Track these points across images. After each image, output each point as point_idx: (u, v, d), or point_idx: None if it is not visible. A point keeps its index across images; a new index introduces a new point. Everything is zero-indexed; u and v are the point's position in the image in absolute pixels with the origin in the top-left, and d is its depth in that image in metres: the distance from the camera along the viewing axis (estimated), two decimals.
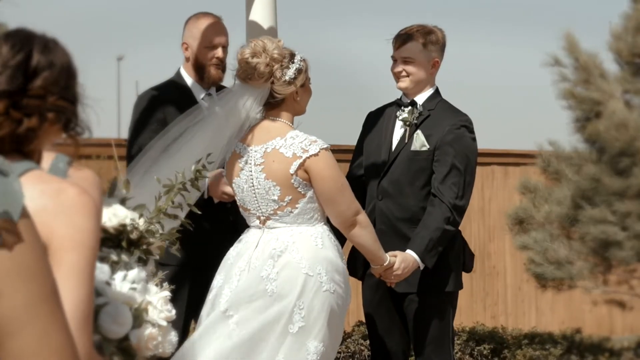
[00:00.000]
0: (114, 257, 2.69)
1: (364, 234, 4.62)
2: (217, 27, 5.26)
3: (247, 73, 4.51)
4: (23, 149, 2.03)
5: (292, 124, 4.63)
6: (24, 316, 1.73)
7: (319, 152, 4.46)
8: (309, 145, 4.47)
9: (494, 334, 8.89)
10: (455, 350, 8.54)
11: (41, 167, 2.11)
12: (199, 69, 5.24)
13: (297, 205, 4.49)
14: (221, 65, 5.21)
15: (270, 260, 4.43)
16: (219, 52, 5.21)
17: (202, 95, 5.22)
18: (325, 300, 4.39)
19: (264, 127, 4.59)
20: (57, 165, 2.37)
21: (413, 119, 5.08)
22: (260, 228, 4.57)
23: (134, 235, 2.81)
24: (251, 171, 4.55)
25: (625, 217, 6.54)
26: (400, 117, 5.14)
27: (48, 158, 2.34)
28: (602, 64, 6.86)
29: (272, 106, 4.58)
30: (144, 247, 2.84)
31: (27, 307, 1.73)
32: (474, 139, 5.07)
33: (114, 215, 2.78)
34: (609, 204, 6.59)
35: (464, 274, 5.29)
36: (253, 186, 4.55)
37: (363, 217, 4.61)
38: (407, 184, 5.07)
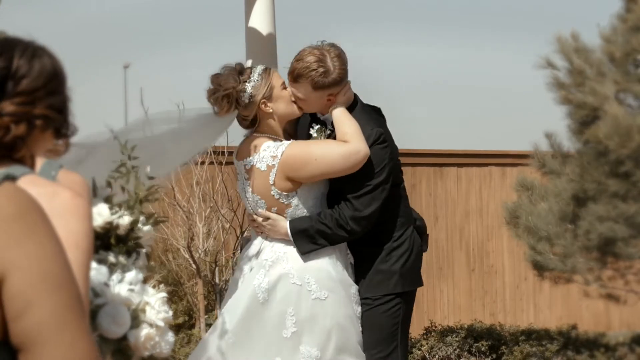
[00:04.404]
0: (112, 259, 2.74)
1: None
2: None
3: (214, 108, 4.69)
4: (13, 155, 2.02)
5: (280, 132, 4.74)
6: (53, 325, 1.77)
7: (284, 152, 4.61)
8: (277, 150, 4.62)
9: (492, 331, 8.96)
10: (454, 347, 8.64)
11: (35, 171, 2.12)
12: None
13: (285, 215, 4.69)
14: None
15: (262, 270, 4.64)
16: None
17: None
18: (315, 308, 4.58)
19: (249, 142, 4.75)
20: (46, 169, 2.40)
21: (321, 137, 4.90)
22: (262, 237, 4.79)
23: (121, 231, 2.84)
24: (244, 185, 4.77)
25: (628, 217, 6.58)
26: (312, 137, 4.94)
27: (38, 163, 2.35)
28: (594, 65, 6.91)
29: (253, 123, 4.74)
30: (133, 242, 2.87)
31: (56, 316, 1.78)
32: (385, 147, 4.77)
33: (99, 215, 2.80)
34: (611, 204, 6.63)
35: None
36: (247, 199, 4.79)
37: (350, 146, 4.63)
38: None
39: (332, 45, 4.74)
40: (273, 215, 4.72)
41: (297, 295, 4.58)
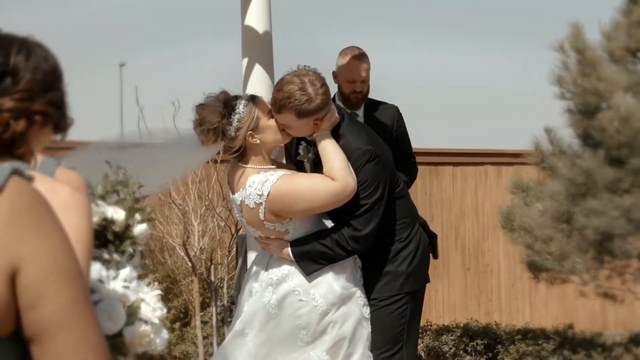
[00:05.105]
0: (105, 256, 2.75)
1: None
2: (356, 65, 6.24)
3: (200, 139, 4.72)
4: (13, 152, 2.01)
5: (267, 160, 4.76)
6: (66, 317, 1.82)
7: (270, 191, 4.62)
8: (262, 188, 4.64)
9: (488, 330, 8.95)
10: (450, 346, 8.63)
11: (34, 168, 2.13)
12: (343, 95, 6.30)
13: (285, 239, 4.78)
14: (360, 94, 6.24)
15: (269, 288, 4.79)
16: (357, 86, 6.22)
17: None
18: (323, 321, 4.72)
19: (235, 174, 4.78)
20: (45, 166, 2.41)
21: (309, 156, 4.92)
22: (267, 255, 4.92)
23: (117, 228, 2.85)
24: (239, 216, 4.85)
25: (624, 211, 6.58)
26: (300, 154, 4.95)
27: (37, 159, 2.33)
28: (601, 59, 6.91)
29: (239, 152, 4.74)
30: (130, 240, 2.88)
31: (68, 307, 1.82)
32: (377, 163, 4.74)
33: (94, 211, 2.82)
34: (606, 198, 6.63)
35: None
36: (246, 228, 4.91)
37: (338, 184, 4.63)
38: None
39: (312, 70, 4.70)
40: (274, 242, 4.80)
41: (305, 310, 4.72)
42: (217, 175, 7.88)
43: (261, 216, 4.67)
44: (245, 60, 5.82)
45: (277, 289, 4.75)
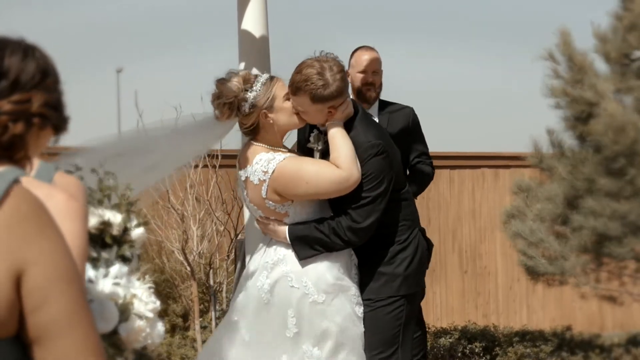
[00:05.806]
0: (93, 254, 2.75)
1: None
2: (365, 56, 6.44)
3: (215, 113, 4.78)
4: (13, 156, 2.01)
5: (279, 142, 4.84)
6: (68, 319, 1.85)
7: (275, 169, 4.68)
8: (268, 165, 4.70)
9: (486, 332, 8.95)
10: (448, 348, 8.64)
11: (30, 173, 2.16)
12: (356, 90, 6.44)
13: (284, 221, 4.80)
14: (373, 87, 6.41)
15: (264, 272, 4.79)
16: (368, 76, 6.38)
17: None
18: (313, 310, 4.71)
19: (246, 150, 4.84)
20: (43, 171, 2.43)
21: (319, 145, 4.94)
22: (267, 240, 4.93)
23: (115, 231, 2.87)
24: (243, 194, 4.89)
25: (619, 216, 6.59)
26: (310, 142, 4.98)
27: (34, 164, 2.38)
28: (593, 63, 6.92)
29: (253, 131, 4.80)
30: (128, 244, 2.89)
31: (70, 309, 1.86)
32: (384, 158, 4.76)
33: (91, 214, 2.83)
34: (603, 203, 6.64)
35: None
36: (248, 207, 4.96)
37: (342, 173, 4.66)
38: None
39: (332, 57, 4.76)
40: (272, 223, 4.82)
41: (296, 297, 4.70)
42: (215, 179, 7.90)
43: (263, 193, 4.71)
44: (242, 65, 5.84)
45: (271, 273, 4.75)
